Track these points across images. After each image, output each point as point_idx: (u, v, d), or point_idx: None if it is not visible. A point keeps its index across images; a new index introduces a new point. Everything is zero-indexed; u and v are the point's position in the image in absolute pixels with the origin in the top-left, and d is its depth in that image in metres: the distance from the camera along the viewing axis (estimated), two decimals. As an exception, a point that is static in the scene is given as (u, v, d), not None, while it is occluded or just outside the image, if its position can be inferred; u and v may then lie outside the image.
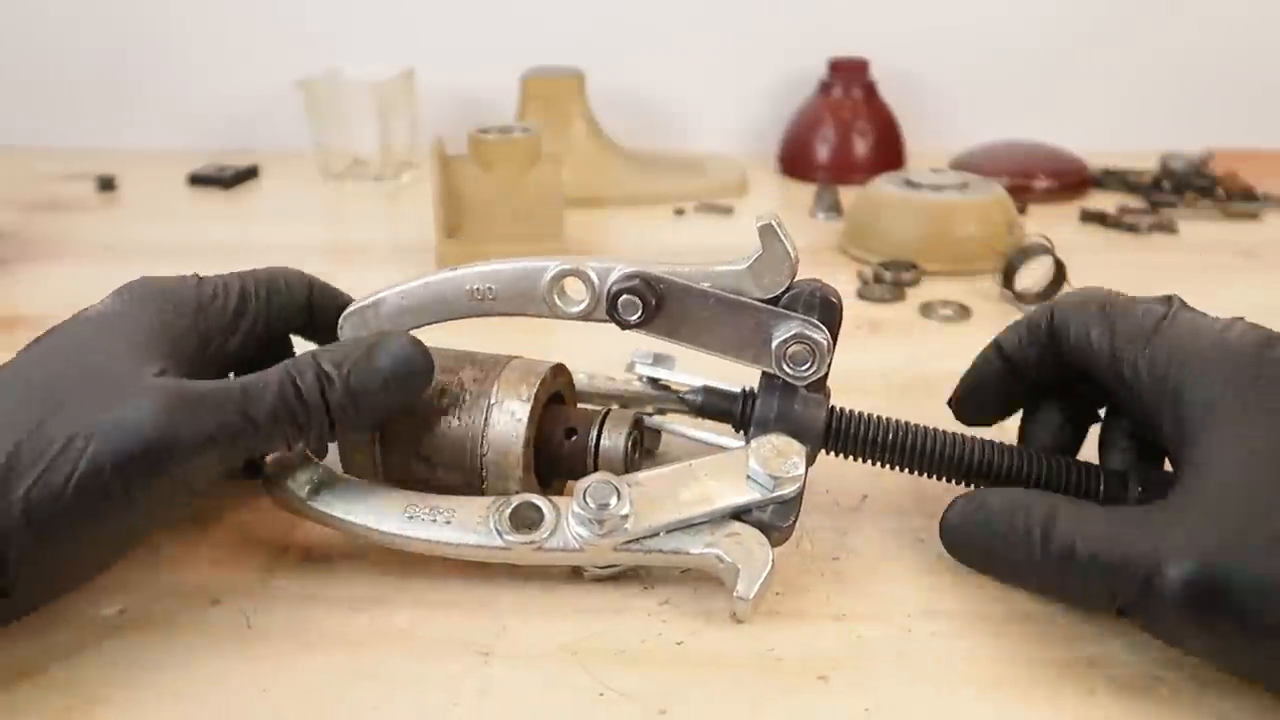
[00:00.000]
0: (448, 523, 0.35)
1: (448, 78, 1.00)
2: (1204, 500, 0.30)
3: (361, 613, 0.35)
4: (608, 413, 0.39)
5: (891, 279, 0.66)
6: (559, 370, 0.40)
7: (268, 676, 0.32)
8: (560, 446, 0.38)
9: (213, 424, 0.31)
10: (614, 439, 0.38)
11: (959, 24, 1.01)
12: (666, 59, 1.02)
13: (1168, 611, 0.28)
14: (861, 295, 0.65)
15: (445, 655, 0.33)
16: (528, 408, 0.37)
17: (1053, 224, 0.77)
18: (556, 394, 0.40)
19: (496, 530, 0.34)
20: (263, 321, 0.39)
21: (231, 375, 0.38)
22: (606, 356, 0.45)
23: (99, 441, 0.30)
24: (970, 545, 0.36)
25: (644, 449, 0.40)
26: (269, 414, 0.33)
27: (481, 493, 0.37)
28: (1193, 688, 0.31)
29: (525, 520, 0.35)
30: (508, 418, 0.37)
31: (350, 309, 0.40)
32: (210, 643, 0.33)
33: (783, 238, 0.36)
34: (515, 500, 0.35)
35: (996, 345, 0.40)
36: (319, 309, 0.41)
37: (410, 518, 0.35)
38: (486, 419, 0.37)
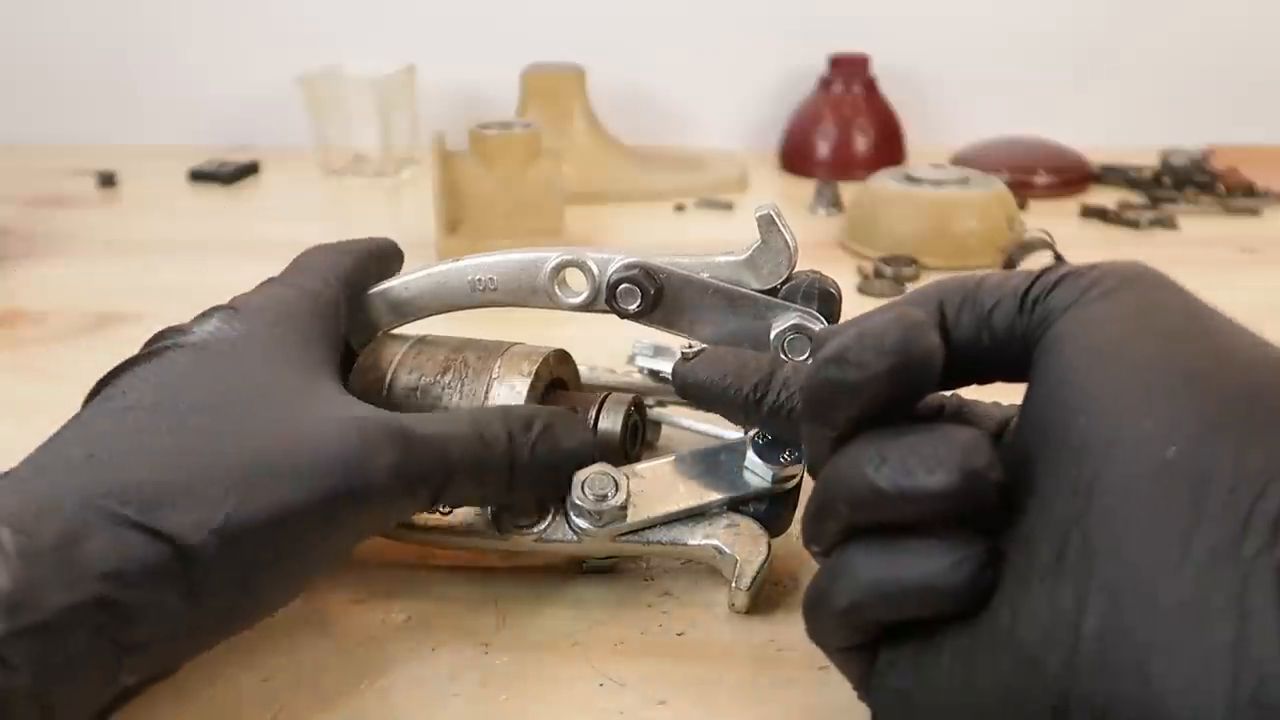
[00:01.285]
0: (446, 513, 0.35)
1: (448, 73, 1.00)
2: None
3: (362, 604, 0.35)
4: (608, 395, 0.39)
5: (892, 274, 0.66)
6: (563, 356, 0.40)
7: (269, 667, 0.32)
8: None
9: (414, 468, 0.30)
10: (613, 420, 0.38)
11: (960, 20, 1.01)
12: (667, 55, 1.02)
13: None
14: (862, 290, 0.65)
15: (446, 646, 0.33)
16: (528, 382, 0.37)
17: (1053, 219, 0.77)
18: (560, 380, 0.40)
19: (495, 521, 0.34)
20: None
21: None
22: (607, 350, 0.45)
23: (296, 477, 0.28)
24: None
25: (644, 439, 0.40)
26: (465, 463, 0.31)
27: None
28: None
29: (524, 511, 0.35)
30: (507, 390, 0.37)
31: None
32: (210, 633, 0.33)
33: (782, 228, 0.36)
34: (515, 491, 0.35)
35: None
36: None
37: (410, 508, 0.35)
38: (487, 392, 0.37)
